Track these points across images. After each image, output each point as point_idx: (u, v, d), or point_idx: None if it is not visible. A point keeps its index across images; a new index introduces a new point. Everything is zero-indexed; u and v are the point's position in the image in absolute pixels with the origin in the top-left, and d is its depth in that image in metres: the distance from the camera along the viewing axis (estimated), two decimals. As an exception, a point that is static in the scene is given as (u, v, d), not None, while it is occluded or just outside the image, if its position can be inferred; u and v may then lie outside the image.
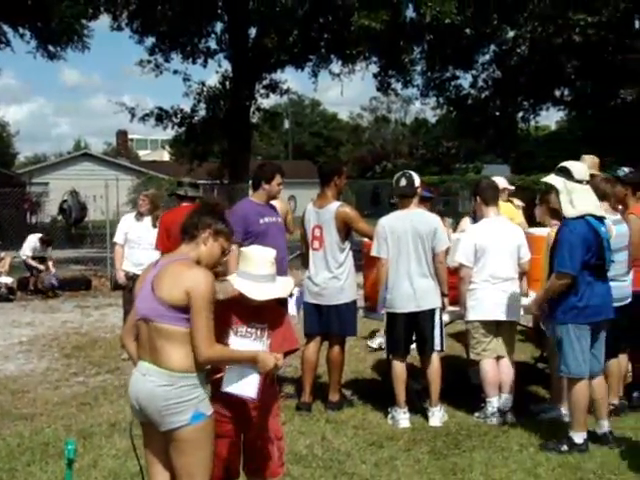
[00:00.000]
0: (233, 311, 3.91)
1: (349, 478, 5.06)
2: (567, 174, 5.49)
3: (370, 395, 6.98)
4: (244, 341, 3.84)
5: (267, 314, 3.94)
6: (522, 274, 6.45)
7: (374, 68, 23.28)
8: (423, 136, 61.15)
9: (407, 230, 6.17)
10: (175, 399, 3.43)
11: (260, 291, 3.87)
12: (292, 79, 51.36)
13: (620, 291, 6.27)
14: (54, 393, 7.32)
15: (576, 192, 5.43)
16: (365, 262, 7.05)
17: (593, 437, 5.58)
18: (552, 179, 5.58)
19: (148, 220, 8.78)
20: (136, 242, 8.74)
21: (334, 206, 6.54)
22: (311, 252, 6.65)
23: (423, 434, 5.92)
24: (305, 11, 18.69)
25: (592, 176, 7.27)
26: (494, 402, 6.22)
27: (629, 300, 6.31)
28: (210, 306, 3.48)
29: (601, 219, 5.48)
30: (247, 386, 3.68)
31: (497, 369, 6.25)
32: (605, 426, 5.63)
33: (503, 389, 6.28)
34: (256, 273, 3.90)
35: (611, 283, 6.15)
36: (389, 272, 6.21)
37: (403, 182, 6.33)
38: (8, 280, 13.90)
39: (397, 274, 6.20)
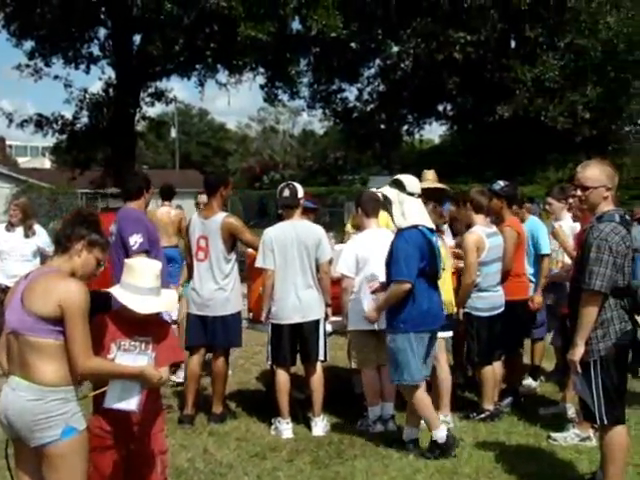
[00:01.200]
0: (116, 324, 3.84)
1: (231, 491, 5.02)
2: (400, 186, 5.69)
3: (254, 406, 6.96)
4: (128, 356, 3.76)
5: (151, 327, 3.89)
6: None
7: (261, 79, 23.40)
8: (312, 147, 61.75)
9: (292, 241, 6.20)
10: (45, 414, 3.33)
11: (144, 304, 3.80)
12: (180, 88, 50.75)
13: (493, 300, 6.54)
14: None
15: (407, 204, 5.64)
16: (249, 273, 7.04)
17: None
18: (386, 190, 5.77)
19: (20, 230, 8.46)
20: (8, 253, 8.38)
21: (220, 217, 6.49)
22: (196, 263, 6.57)
23: (306, 444, 5.94)
24: (191, 20, 18.52)
25: (436, 190, 7.72)
26: (376, 411, 6.31)
27: (502, 309, 6.57)
28: (85, 317, 3.40)
29: (432, 230, 5.70)
30: (129, 400, 3.61)
31: (378, 378, 6.35)
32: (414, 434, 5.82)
33: (385, 397, 6.38)
34: (141, 285, 3.82)
35: (484, 293, 6.43)
36: (275, 283, 6.22)
37: (286, 193, 6.36)
38: None
39: (283, 285, 6.21)
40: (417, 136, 27.91)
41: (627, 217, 4.69)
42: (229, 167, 65.98)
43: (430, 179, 8.31)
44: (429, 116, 26.50)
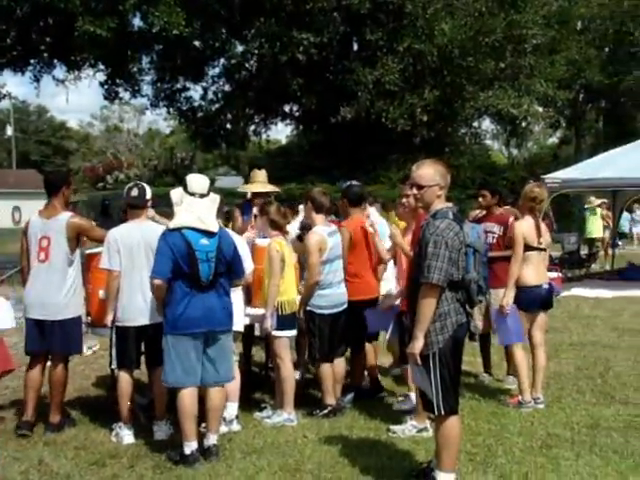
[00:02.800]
0: None
1: (67, 502, 4.84)
2: (184, 186, 5.72)
3: (94, 413, 6.75)
4: None
5: None
6: (245, 285, 6.60)
7: (101, 76, 22.73)
8: (157, 147, 60.64)
9: (139, 242, 6.05)
10: None
11: None
12: (16, 83, 48.15)
13: (336, 297, 6.67)
14: None
15: (185, 204, 5.63)
16: (87, 276, 6.79)
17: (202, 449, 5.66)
18: (172, 191, 5.78)
19: None
20: None
21: (64, 216, 6.26)
22: (36, 264, 6.30)
23: (148, 449, 5.83)
24: (24, 12, 17.69)
25: (264, 194, 7.89)
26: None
27: (344, 307, 6.71)
28: None
29: (206, 232, 5.59)
30: None
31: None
32: (212, 439, 5.69)
33: (228, 398, 6.35)
34: None
35: (325, 291, 6.54)
36: (121, 285, 6.04)
37: (135, 192, 6.22)
38: None
39: (130, 287, 6.04)
40: (264, 136, 28.04)
41: (459, 214, 4.89)
42: (71, 166, 63.75)
43: (260, 180, 8.39)
44: (275, 116, 26.66)
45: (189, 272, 5.49)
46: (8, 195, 46.68)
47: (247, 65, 23.76)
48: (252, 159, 46.64)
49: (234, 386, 6.39)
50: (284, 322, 6.49)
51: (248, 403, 6.84)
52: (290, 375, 6.57)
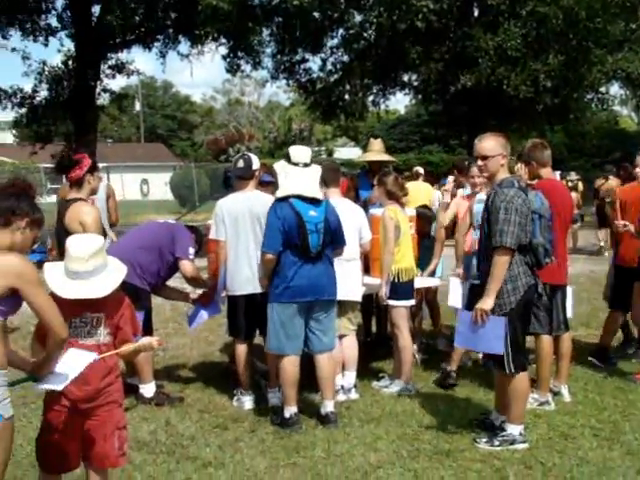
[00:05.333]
0: (66, 300, 3.67)
1: (192, 462, 5.02)
2: (287, 158, 5.80)
3: (217, 378, 6.97)
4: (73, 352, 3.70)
5: (103, 303, 3.76)
6: (363, 254, 6.62)
7: (223, 50, 23.09)
8: (277, 119, 61.42)
9: (245, 212, 6.13)
10: None
11: (66, 289, 3.67)
12: (144, 60, 49.57)
13: None
14: None
15: (289, 175, 5.71)
16: (207, 246, 6.95)
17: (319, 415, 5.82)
18: (276, 163, 5.92)
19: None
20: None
21: None
22: None
23: (267, 415, 5.97)
24: (150, -11, 18.17)
25: (381, 163, 7.84)
26: (337, 380, 6.34)
27: None
28: (42, 285, 3.32)
29: (313, 201, 5.66)
30: (60, 383, 3.54)
31: (340, 348, 6.38)
32: (328, 406, 5.81)
33: (346, 367, 6.43)
34: (69, 268, 3.71)
35: None
36: (228, 254, 6.16)
37: (241, 164, 6.32)
38: None
39: (236, 256, 6.14)
40: (383, 106, 27.78)
41: (522, 183, 5.27)
42: (195, 140, 65.52)
43: (376, 149, 8.32)
44: (394, 86, 26.38)
45: (299, 243, 5.57)
46: (137, 168, 48.34)
47: (365, 35, 23.55)
48: (371, 130, 46.61)
49: (352, 355, 6.45)
50: (401, 291, 6.47)
51: (366, 372, 6.89)
52: (408, 345, 6.57)
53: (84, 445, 3.86)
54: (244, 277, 6.11)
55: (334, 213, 5.79)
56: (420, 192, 8.24)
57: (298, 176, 5.67)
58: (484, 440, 5.27)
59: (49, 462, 3.85)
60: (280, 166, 5.80)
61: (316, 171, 5.80)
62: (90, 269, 3.70)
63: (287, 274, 5.60)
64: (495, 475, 4.80)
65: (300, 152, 5.81)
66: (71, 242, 3.79)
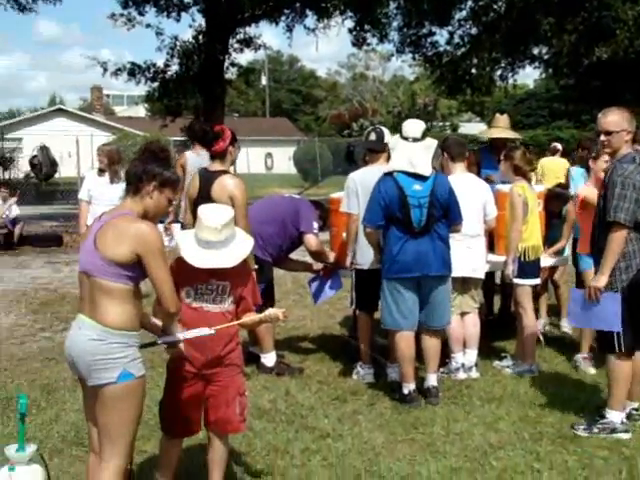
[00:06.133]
0: (191, 266, 3.79)
1: (311, 432, 5.07)
2: (400, 132, 5.72)
3: (336, 351, 7.02)
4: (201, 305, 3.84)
5: (228, 272, 3.83)
6: (488, 231, 6.47)
7: (350, 23, 23.02)
8: (402, 93, 60.87)
9: None
10: (103, 355, 3.30)
11: (200, 258, 3.77)
12: (272, 35, 50.17)
13: None
14: (19, 348, 7.29)
15: (398, 149, 5.65)
16: (331, 219, 6.96)
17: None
18: (391, 137, 5.91)
19: (108, 175, 8.75)
20: (98, 198, 8.64)
21: None
22: None
23: (387, 389, 5.96)
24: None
25: (505, 140, 7.54)
26: (458, 358, 6.27)
27: None
28: (165, 257, 3.40)
29: (418, 176, 5.56)
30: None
31: (462, 325, 6.29)
32: (430, 380, 5.76)
33: (468, 345, 6.33)
34: (200, 237, 3.80)
35: None
36: (359, 228, 6.10)
37: (373, 137, 6.29)
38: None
39: None
40: (511, 81, 26.98)
41: None
42: (319, 114, 65.89)
43: (501, 126, 8.04)
44: (523, 59, 25.58)
45: (401, 218, 5.51)
46: (261, 142, 49.11)
47: (495, 6, 22.88)
48: (497, 105, 45.50)
49: (474, 333, 6.34)
50: (527, 269, 6.28)
51: (488, 351, 6.76)
52: (532, 325, 6.39)
53: (206, 410, 3.96)
54: (373, 252, 6.07)
55: (445, 188, 5.65)
56: (557, 168, 7.95)
57: (406, 150, 5.60)
58: (582, 427, 5.06)
59: (171, 426, 3.97)
60: (393, 140, 5.77)
61: (427, 146, 5.69)
62: (222, 239, 3.79)
63: (393, 250, 5.57)
64: (624, 463, 4.60)
65: (411, 126, 5.73)
66: (203, 212, 3.88)
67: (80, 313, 3.44)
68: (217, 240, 3.78)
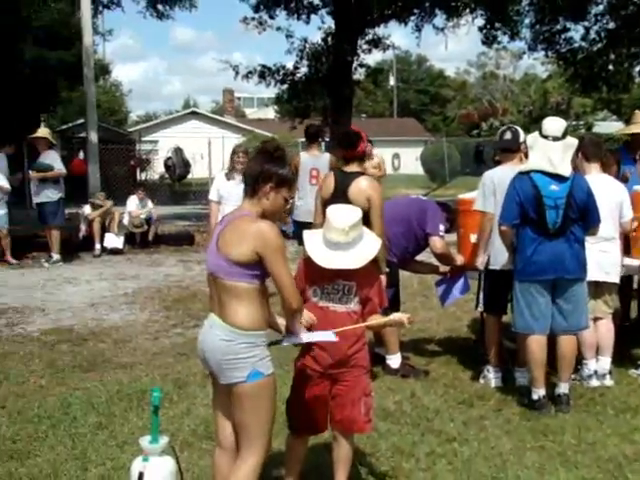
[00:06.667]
0: (318, 266, 3.84)
1: (437, 436, 5.01)
2: (540, 130, 5.51)
3: (463, 354, 6.91)
4: (327, 304, 3.86)
5: (355, 272, 3.85)
6: (624, 233, 6.21)
7: (480, 21, 22.62)
8: (533, 92, 59.30)
9: None
10: (234, 355, 3.36)
11: (327, 259, 3.80)
12: (400, 35, 49.72)
13: None
14: (153, 343, 7.57)
15: (537, 147, 5.46)
16: (461, 219, 6.83)
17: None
18: (529, 136, 5.68)
19: (238, 177, 8.91)
20: (227, 199, 8.86)
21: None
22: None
23: (514, 394, 5.81)
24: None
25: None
26: (591, 364, 6.04)
27: None
28: (285, 256, 3.43)
29: (555, 176, 5.36)
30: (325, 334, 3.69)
31: (595, 331, 6.05)
32: (562, 387, 5.54)
33: (601, 352, 6.09)
34: (328, 238, 3.84)
35: None
36: (493, 228, 5.92)
37: (508, 136, 6.17)
38: (118, 240, 14.37)
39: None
40: (651, 77, 25.81)
41: None
42: (447, 114, 65.16)
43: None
44: (665, 54, 24.39)
45: (536, 218, 5.36)
46: (389, 143, 49.04)
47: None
48: (636, 102, 43.55)
49: (608, 340, 6.10)
50: (667, 275, 5.98)
51: (623, 359, 6.48)
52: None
53: (332, 409, 3.97)
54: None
55: (584, 189, 5.45)
56: None
57: (545, 149, 5.43)
58: None
59: (298, 424, 4.01)
60: (531, 138, 5.60)
61: (568, 145, 5.49)
62: (349, 240, 3.82)
63: (527, 251, 5.43)
64: None
65: (552, 125, 5.54)
66: (331, 212, 3.92)
67: (211, 312, 3.53)
68: (344, 241, 3.81)
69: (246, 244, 3.35)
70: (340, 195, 5.71)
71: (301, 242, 5.72)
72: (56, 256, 12.87)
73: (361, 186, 5.68)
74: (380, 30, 22.97)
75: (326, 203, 5.80)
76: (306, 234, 3.97)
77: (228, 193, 8.87)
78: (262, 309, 3.45)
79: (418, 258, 6.88)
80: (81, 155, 23.38)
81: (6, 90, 22.33)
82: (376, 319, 4.00)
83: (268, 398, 3.46)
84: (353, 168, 5.85)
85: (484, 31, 22.50)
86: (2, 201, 12.59)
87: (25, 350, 7.24)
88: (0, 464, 4.59)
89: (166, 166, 29.18)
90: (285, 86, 23.31)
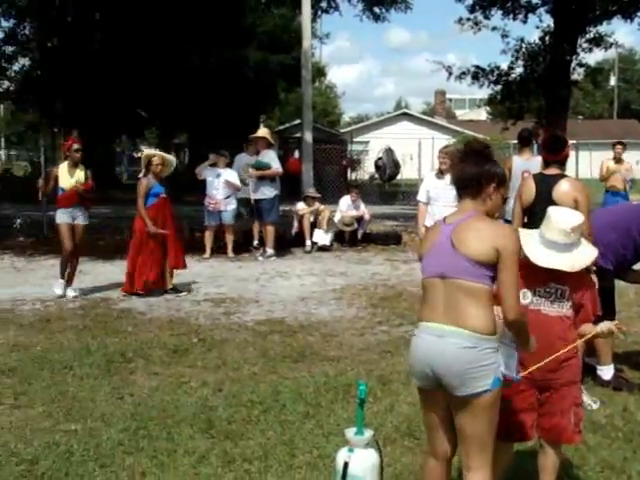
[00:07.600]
0: (532, 269, 3.78)
1: None
2: None
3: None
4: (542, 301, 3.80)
5: (568, 276, 3.78)
6: None
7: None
8: None
9: None
10: (479, 362, 3.20)
11: (544, 258, 3.75)
12: (624, 33, 46.80)
13: None
14: (359, 339, 7.73)
15: None
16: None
17: None
18: None
19: (447, 177, 8.88)
20: (435, 199, 8.87)
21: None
22: None
23: None
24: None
25: None
26: None
27: None
28: (518, 263, 3.31)
29: None
30: (511, 366, 3.41)
31: None
32: None
33: None
34: (547, 238, 3.81)
35: None
36: None
37: None
38: (325, 237, 14.79)
39: None
40: None
41: None
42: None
43: None
44: None
45: None
46: (607, 145, 46.73)
47: None
48: None
49: None
50: None
51: None
52: None
53: (540, 417, 3.87)
54: None
55: None
56: None
57: None
58: None
59: (504, 430, 3.92)
60: None
61: None
62: (569, 242, 3.79)
63: None
64: None
65: None
66: (554, 213, 3.90)
67: (427, 321, 3.38)
68: (564, 242, 3.78)
69: (487, 242, 3.24)
70: (544, 198, 5.64)
71: None
72: (270, 251, 13.47)
73: (567, 188, 5.64)
74: (603, 27, 22.03)
75: (529, 207, 5.78)
76: (522, 232, 3.93)
77: (437, 194, 8.90)
78: (494, 312, 3.33)
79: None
80: (296, 154, 24.34)
81: (233, 93, 23.69)
82: (588, 327, 3.89)
83: (498, 405, 3.36)
84: (555, 171, 5.84)
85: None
86: (232, 197, 13.41)
87: (240, 338, 7.66)
88: (217, 442, 4.90)
89: (376, 166, 29.66)
90: (499, 87, 22.98)
